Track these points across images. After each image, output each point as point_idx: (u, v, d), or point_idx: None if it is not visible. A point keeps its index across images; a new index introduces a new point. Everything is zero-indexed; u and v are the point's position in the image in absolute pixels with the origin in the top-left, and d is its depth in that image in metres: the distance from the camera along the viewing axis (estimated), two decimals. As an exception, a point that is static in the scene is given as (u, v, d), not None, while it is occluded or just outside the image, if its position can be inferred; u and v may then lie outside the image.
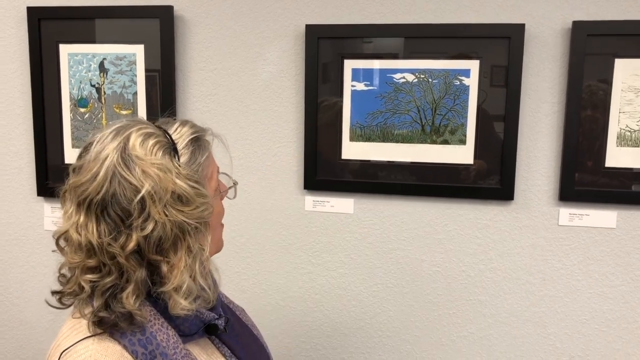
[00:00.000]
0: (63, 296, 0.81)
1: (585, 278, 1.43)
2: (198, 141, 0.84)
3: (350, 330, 1.56)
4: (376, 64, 1.44)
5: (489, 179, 1.43)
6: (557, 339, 1.46)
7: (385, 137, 1.46)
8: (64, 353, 0.76)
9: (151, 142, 0.78)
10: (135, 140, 0.78)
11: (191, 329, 0.85)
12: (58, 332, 0.82)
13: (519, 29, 1.36)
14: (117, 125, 0.81)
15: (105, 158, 0.76)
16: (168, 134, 0.82)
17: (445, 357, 1.52)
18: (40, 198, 1.66)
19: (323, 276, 1.56)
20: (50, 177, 1.62)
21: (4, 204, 1.69)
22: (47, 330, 1.73)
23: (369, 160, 1.48)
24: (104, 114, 1.58)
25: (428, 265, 1.50)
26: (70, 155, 1.60)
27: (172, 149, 0.80)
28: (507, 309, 1.48)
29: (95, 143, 0.79)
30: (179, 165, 0.79)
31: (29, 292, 1.72)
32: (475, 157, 1.43)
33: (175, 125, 0.84)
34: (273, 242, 1.56)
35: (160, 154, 0.78)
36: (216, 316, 0.89)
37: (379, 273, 1.53)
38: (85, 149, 0.80)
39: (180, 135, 0.82)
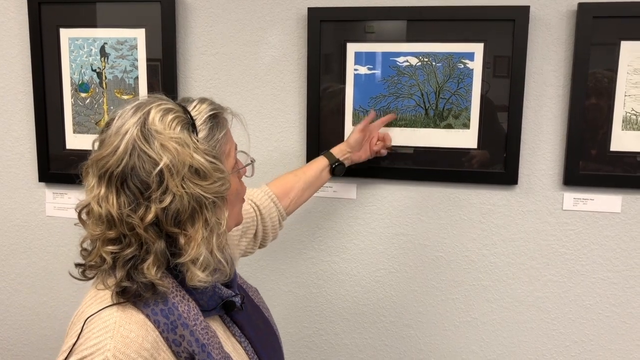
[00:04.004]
0: (86, 269, 0.83)
1: (589, 263, 1.43)
2: (216, 118, 0.86)
3: (352, 316, 1.56)
4: (379, 48, 1.42)
5: (493, 163, 1.42)
6: (561, 324, 1.46)
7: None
8: (88, 319, 0.78)
9: (170, 117, 0.80)
10: (155, 115, 0.80)
11: (209, 304, 0.87)
12: (81, 301, 0.84)
13: (524, 11, 1.34)
14: (137, 102, 0.83)
15: (126, 132, 0.78)
16: (187, 110, 0.84)
17: (449, 342, 1.52)
18: (42, 184, 1.66)
19: (326, 261, 1.55)
20: (51, 163, 1.61)
21: (6, 190, 1.69)
22: (49, 316, 1.73)
23: (371, 145, 1.47)
24: (105, 98, 1.57)
25: (431, 251, 1.49)
26: (72, 140, 1.59)
27: (190, 124, 0.82)
28: (511, 294, 1.47)
29: (116, 118, 0.81)
30: (197, 141, 0.81)
31: (32, 278, 1.72)
32: (479, 141, 1.42)
33: (194, 103, 0.86)
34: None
35: (179, 129, 0.80)
36: (233, 293, 0.91)
37: (381, 258, 1.52)
38: (107, 125, 0.82)
39: (199, 112, 0.84)
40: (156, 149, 0.77)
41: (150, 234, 0.78)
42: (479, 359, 1.51)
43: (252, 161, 0.95)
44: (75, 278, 0.84)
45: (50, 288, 1.71)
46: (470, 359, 1.52)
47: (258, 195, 1.24)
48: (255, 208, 1.22)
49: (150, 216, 0.77)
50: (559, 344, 1.47)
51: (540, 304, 1.46)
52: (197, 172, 0.79)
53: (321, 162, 1.35)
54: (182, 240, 0.79)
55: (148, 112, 0.80)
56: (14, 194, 1.69)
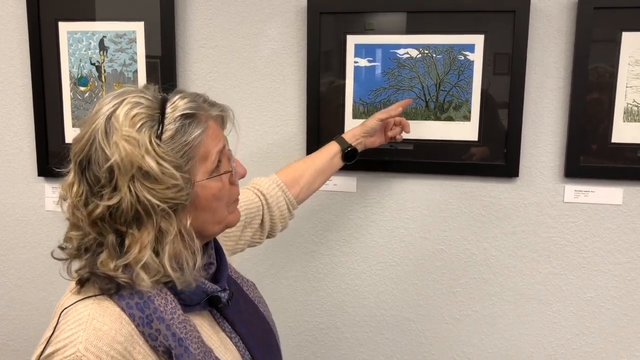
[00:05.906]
0: (62, 250, 0.83)
1: (591, 255, 1.42)
2: (190, 118, 0.80)
3: (353, 309, 1.56)
4: (379, 40, 1.42)
5: (494, 155, 1.41)
6: (562, 316, 1.45)
7: (389, 114, 1.44)
8: (64, 312, 0.78)
9: (135, 112, 0.76)
10: (123, 107, 0.77)
11: (192, 299, 0.84)
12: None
13: (525, 2, 1.34)
14: (121, 90, 0.81)
15: (94, 122, 0.77)
16: (164, 105, 0.80)
17: (449, 335, 1.52)
18: (41, 178, 1.65)
19: (326, 255, 1.55)
20: (50, 157, 1.61)
21: (5, 184, 1.68)
22: (49, 311, 1.71)
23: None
24: (104, 92, 1.56)
25: (432, 244, 1.49)
26: (71, 134, 1.59)
27: (157, 122, 0.77)
28: (512, 287, 1.47)
29: (97, 103, 0.81)
30: (154, 142, 0.76)
31: (31, 273, 1.71)
32: (480, 133, 1.41)
33: (175, 98, 0.81)
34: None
35: (138, 127, 0.76)
36: (219, 288, 0.88)
37: (382, 251, 1.52)
38: (91, 109, 0.82)
39: (173, 109, 0.79)
40: (111, 145, 0.75)
41: (100, 227, 0.77)
42: (479, 352, 1.51)
43: (233, 168, 0.88)
44: (56, 259, 0.83)
45: (49, 283, 1.71)
46: (471, 352, 1.51)
47: (265, 184, 1.20)
48: (262, 197, 1.18)
49: (97, 211, 0.76)
50: (560, 337, 1.46)
51: (541, 296, 1.46)
52: (147, 175, 0.75)
53: (332, 147, 1.31)
54: (127, 240, 0.77)
55: (120, 103, 0.77)
56: (13, 189, 1.68)
